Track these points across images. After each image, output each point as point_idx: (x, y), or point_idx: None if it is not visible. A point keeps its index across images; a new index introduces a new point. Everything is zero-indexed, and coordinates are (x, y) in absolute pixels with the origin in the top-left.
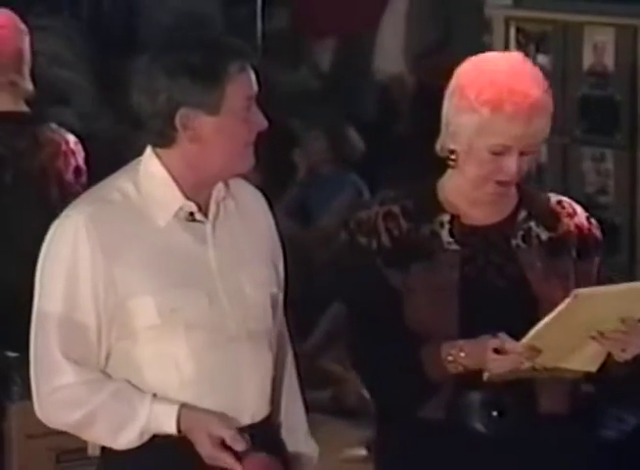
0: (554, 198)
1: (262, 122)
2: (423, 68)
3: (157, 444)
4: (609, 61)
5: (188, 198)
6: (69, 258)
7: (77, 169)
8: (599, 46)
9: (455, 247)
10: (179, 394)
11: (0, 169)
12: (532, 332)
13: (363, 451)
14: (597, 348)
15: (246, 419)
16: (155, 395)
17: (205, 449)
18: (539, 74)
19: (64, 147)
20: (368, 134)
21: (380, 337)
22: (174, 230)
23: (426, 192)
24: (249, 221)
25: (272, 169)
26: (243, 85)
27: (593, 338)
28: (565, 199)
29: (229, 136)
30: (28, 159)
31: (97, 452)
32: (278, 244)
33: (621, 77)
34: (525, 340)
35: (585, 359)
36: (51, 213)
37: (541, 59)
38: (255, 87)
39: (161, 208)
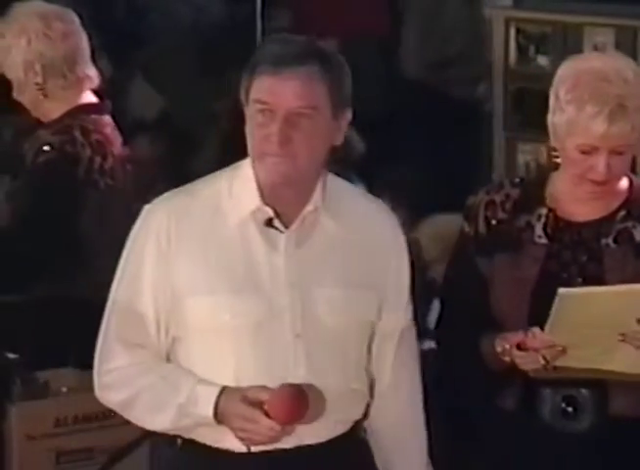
0: None
1: (270, 135)
2: (441, 77)
3: None
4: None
5: (267, 203)
6: (142, 246)
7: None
8: (599, 47)
9: (544, 241)
10: None
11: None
12: (545, 330)
13: None
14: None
15: (287, 442)
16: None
17: (239, 413)
18: (634, 76)
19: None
20: (368, 134)
21: (468, 323)
22: (249, 232)
23: (534, 184)
24: (350, 246)
25: None
26: (269, 86)
27: (622, 340)
28: None
29: (249, 134)
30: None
31: None
32: (400, 277)
33: None
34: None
35: (627, 361)
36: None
37: (541, 60)
38: (279, 99)
39: (239, 207)
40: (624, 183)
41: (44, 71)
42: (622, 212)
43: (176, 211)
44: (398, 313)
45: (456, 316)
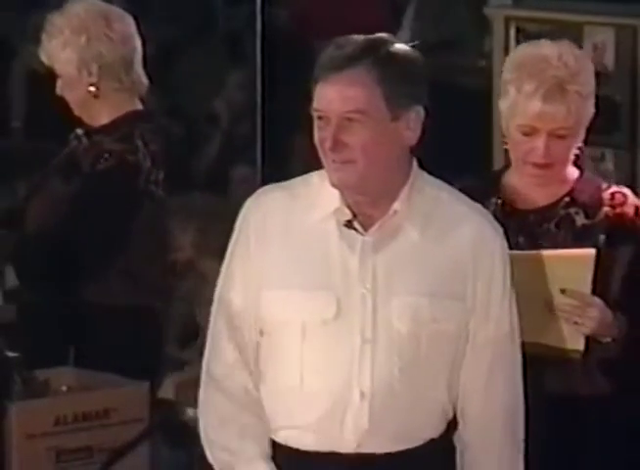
0: (612, 189)
1: (324, 140)
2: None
3: None
4: (608, 61)
5: (349, 205)
6: (234, 241)
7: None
8: (599, 46)
9: None
10: (296, 396)
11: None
12: None
13: None
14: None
15: (346, 447)
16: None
17: None
18: (572, 62)
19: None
20: None
21: None
22: (329, 231)
23: (493, 176)
24: (433, 255)
25: (270, 168)
26: (320, 92)
27: (551, 312)
28: (624, 191)
29: (315, 135)
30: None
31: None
32: (490, 288)
33: (621, 77)
34: None
35: (563, 336)
36: None
37: None
38: (329, 105)
39: (323, 205)
40: (574, 173)
41: (100, 72)
42: (567, 199)
43: (267, 205)
44: (488, 326)
45: None
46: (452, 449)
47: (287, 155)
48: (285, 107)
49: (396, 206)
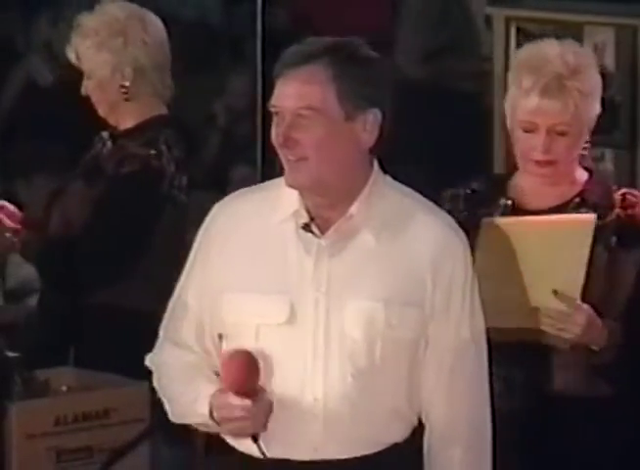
0: (623, 190)
1: (278, 140)
2: (429, 69)
3: None
4: (609, 61)
5: (308, 208)
6: (198, 243)
7: None
8: (599, 46)
9: None
10: None
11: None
12: None
13: None
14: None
15: (304, 454)
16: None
17: (217, 403)
18: (574, 60)
19: None
20: None
21: None
22: (287, 233)
23: (500, 178)
24: (389, 261)
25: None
26: (277, 88)
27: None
28: (635, 192)
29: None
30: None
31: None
32: (449, 294)
33: (621, 77)
34: None
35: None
36: None
37: None
38: (283, 101)
39: (282, 207)
40: (583, 175)
41: (134, 76)
42: (577, 200)
43: (231, 210)
44: (448, 332)
45: None
46: (418, 454)
47: None
48: None
49: (353, 209)
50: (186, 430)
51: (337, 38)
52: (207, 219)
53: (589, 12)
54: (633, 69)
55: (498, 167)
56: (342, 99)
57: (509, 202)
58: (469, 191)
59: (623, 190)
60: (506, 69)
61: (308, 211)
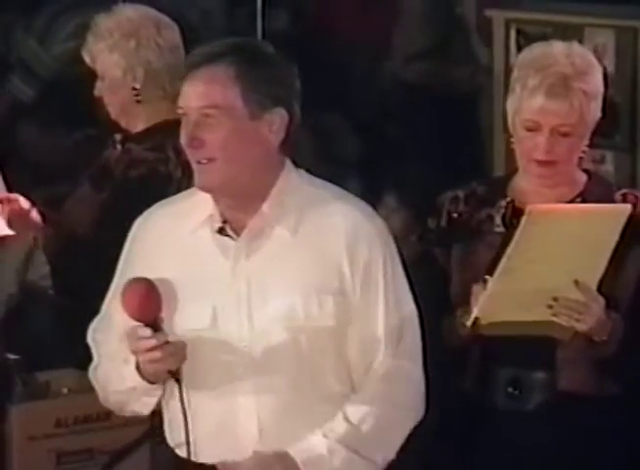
0: (623, 190)
1: (184, 141)
2: (415, 69)
3: None
4: (609, 63)
5: (222, 212)
6: (123, 257)
7: None
8: (599, 48)
9: (501, 229)
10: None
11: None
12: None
13: None
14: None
15: (244, 456)
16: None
17: (134, 350)
18: (580, 61)
19: None
20: (373, 133)
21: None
22: (203, 238)
23: (500, 179)
24: (306, 255)
25: None
26: (182, 89)
27: (550, 307)
28: (635, 192)
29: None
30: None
31: None
32: (368, 287)
33: (622, 79)
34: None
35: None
36: None
37: None
38: (188, 102)
39: (197, 213)
40: (583, 176)
41: (145, 78)
42: (578, 201)
43: (150, 223)
44: (371, 323)
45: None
46: None
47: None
48: None
49: (264, 207)
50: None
51: (240, 38)
52: (130, 234)
53: (589, 14)
54: (633, 71)
55: (499, 169)
56: (246, 98)
57: (509, 203)
58: (469, 192)
59: (624, 190)
60: (506, 70)
61: (223, 215)
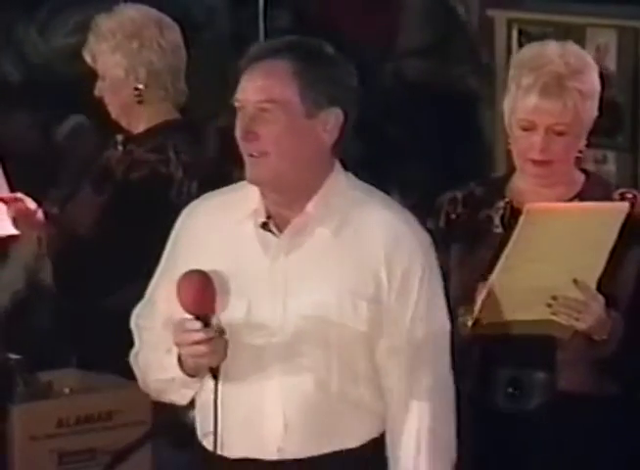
0: (621, 190)
1: (239, 133)
2: (417, 69)
3: None
4: (611, 63)
5: (267, 207)
6: (169, 245)
7: None
8: (601, 48)
9: (500, 230)
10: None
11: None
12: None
13: None
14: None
15: (269, 453)
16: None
17: (174, 335)
18: (575, 60)
19: None
20: (375, 133)
21: None
22: (247, 232)
23: (498, 180)
24: (345, 257)
25: None
26: (241, 82)
27: (549, 306)
28: (633, 192)
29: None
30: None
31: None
32: (403, 293)
33: (624, 79)
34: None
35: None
36: None
37: None
38: (245, 95)
39: (244, 206)
40: (580, 176)
41: (148, 79)
42: (575, 201)
43: (198, 213)
44: (404, 327)
45: None
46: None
47: None
48: None
49: (310, 207)
50: (189, 433)
51: (302, 37)
52: (177, 222)
53: (591, 14)
54: (635, 71)
55: (501, 170)
56: (304, 95)
57: (507, 204)
58: (467, 193)
59: (621, 190)
60: (508, 71)
61: (268, 211)
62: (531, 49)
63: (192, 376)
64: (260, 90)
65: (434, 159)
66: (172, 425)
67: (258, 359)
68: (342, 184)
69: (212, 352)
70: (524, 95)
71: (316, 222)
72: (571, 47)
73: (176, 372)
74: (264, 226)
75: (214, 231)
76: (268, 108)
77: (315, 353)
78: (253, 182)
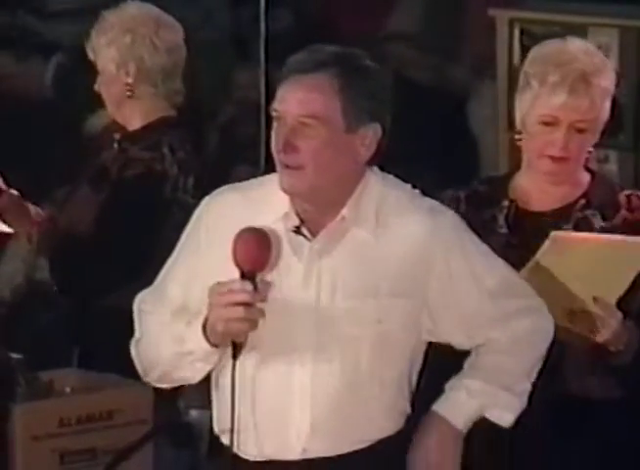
0: (626, 191)
1: (277, 142)
2: (417, 69)
3: None
4: (613, 62)
5: (297, 211)
6: (186, 235)
7: None
8: (603, 47)
9: (504, 230)
10: (239, 399)
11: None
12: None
13: None
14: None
15: (292, 454)
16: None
17: (211, 300)
18: (597, 58)
19: None
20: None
21: None
22: (277, 235)
23: (501, 178)
24: (383, 258)
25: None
26: (281, 93)
27: (568, 319)
28: (639, 193)
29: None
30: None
31: None
32: (449, 291)
33: (626, 79)
34: None
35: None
36: None
37: None
38: (286, 107)
39: (273, 209)
40: (586, 176)
41: (138, 75)
42: (582, 202)
43: (220, 206)
44: (456, 329)
45: None
46: (407, 443)
47: None
48: None
49: (344, 212)
50: (190, 432)
51: (344, 48)
52: (199, 209)
53: (593, 13)
54: (637, 70)
55: (501, 168)
56: (346, 111)
57: (512, 203)
58: (470, 192)
59: (628, 192)
60: (509, 70)
61: (298, 215)
62: (550, 46)
63: (214, 346)
64: (303, 104)
65: (432, 159)
66: (174, 424)
67: (289, 359)
68: (376, 186)
69: (247, 319)
70: (550, 91)
71: (351, 226)
72: (591, 46)
73: (197, 344)
74: (296, 230)
75: (242, 226)
76: (309, 123)
77: (346, 355)
78: (287, 192)
